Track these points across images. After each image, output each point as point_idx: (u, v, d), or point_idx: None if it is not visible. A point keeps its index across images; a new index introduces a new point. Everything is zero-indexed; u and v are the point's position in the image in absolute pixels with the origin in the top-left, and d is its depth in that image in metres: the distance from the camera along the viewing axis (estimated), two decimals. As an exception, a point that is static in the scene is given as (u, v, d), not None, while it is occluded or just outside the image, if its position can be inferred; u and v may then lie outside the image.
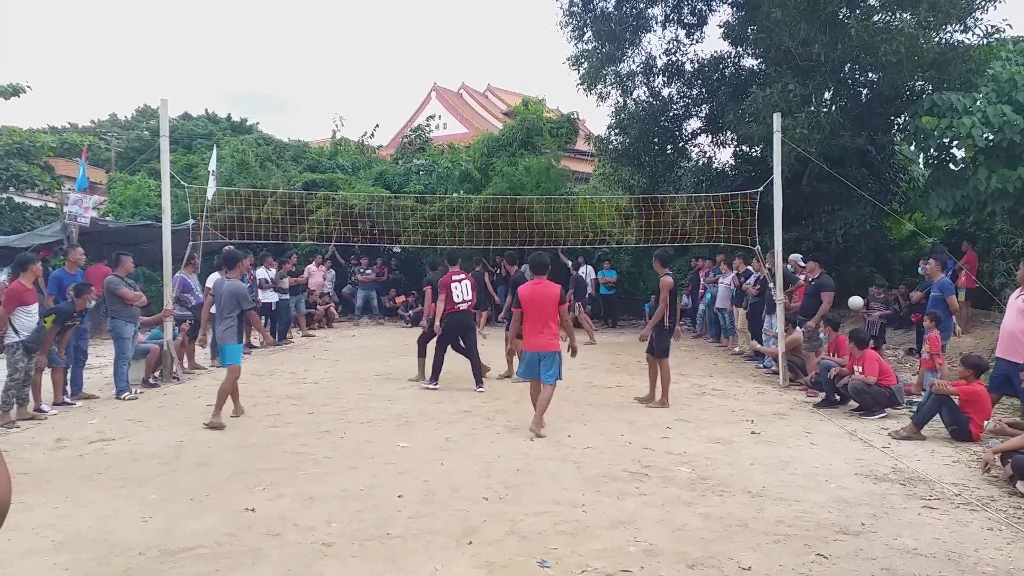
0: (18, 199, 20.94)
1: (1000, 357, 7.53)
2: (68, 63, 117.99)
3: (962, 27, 13.86)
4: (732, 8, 17.36)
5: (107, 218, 18.38)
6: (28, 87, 19.33)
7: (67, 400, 8.69)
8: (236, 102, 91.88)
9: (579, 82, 18.14)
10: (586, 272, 17.07)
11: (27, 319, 7.77)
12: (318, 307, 17.63)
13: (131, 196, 21.34)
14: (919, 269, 13.25)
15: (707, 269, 15.79)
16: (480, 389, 9.73)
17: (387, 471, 5.96)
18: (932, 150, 13.55)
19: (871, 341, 9.02)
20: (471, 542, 4.49)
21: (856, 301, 11.29)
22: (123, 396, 9.05)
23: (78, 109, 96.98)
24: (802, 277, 11.89)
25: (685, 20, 17.99)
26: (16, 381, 7.74)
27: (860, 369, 8.40)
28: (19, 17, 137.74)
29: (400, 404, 8.76)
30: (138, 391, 9.52)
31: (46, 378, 8.53)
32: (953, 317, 10.11)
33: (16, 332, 7.68)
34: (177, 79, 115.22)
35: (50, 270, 11.62)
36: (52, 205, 21.86)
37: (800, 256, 12.75)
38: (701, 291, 15.96)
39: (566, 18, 17.41)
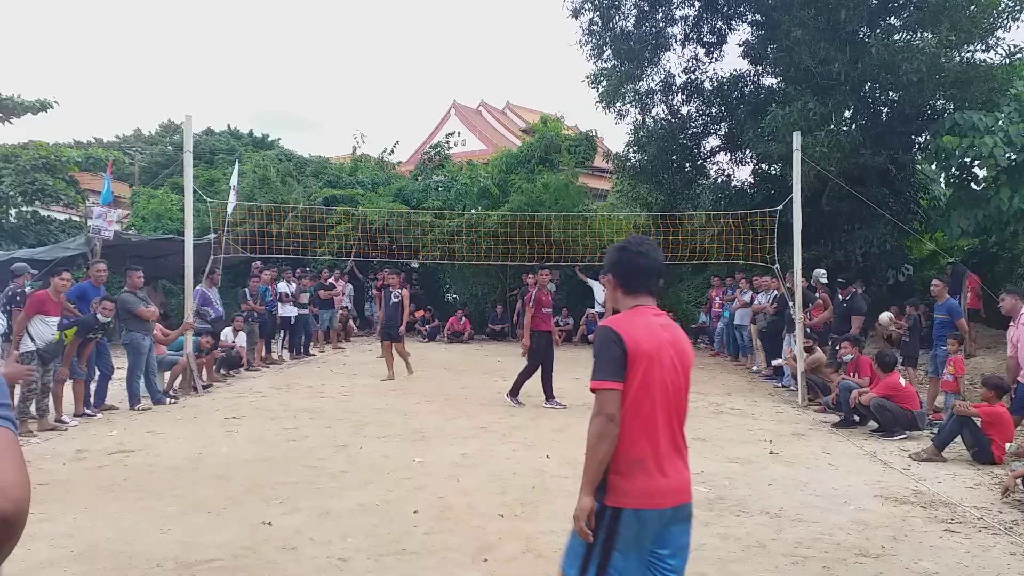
0: (43, 212, 21.28)
1: (1022, 382, 7.44)
2: (94, 79, 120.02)
3: (984, 46, 13.83)
4: (751, 27, 17.39)
5: (130, 232, 18.62)
6: (55, 103, 19.72)
7: (88, 412, 8.77)
8: (258, 120, 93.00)
9: (598, 100, 18.22)
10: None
11: (45, 329, 7.87)
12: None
13: (154, 210, 21.65)
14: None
15: (722, 288, 15.75)
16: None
17: (403, 486, 5.97)
18: (953, 169, 13.48)
19: (897, 363, 8.90)
20: (487, 559, 4.47)
21: (885, 316, 11.21)
22: (136, 407, 9.16)
23: (103, 124, 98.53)
24: (819, 296, 11.81)
25: (704, 39, 18.04)
26: (33, 392, 7.82)
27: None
28: (48, 33, 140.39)
29: (416, 419, 8.77)
30: (170, 401, 9.68)
31: (67, 389, 8.63)
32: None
33: (32, 340, 7.78)
34: (201, 96, 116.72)
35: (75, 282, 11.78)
36: (76, 219, 22.19)
37: (824, 272, 12.64)
38: (717, 310, 15.88)
39: (585, 37, 17.51)
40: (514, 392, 9.81)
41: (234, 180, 14.28)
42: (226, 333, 11.95)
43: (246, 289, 13.01)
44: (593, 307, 17.35)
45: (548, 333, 9.83)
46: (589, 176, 26.10)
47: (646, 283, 2.88)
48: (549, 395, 9.81)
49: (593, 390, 2.65)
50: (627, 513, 2.57)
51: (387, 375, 11.76)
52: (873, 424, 8.46)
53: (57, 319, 8.04)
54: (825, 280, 12.64)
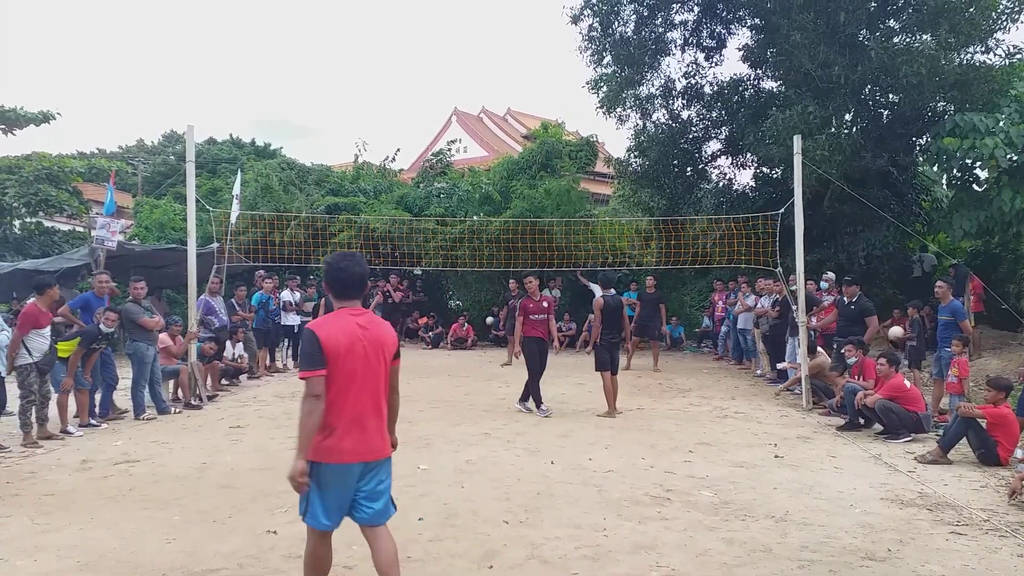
0: (47, 223, 21.35)
1: None
2: (97, 90, 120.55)
3: (983, 48, 13.84)
4: (751, 31, 17.41)
5: (133, 242, 18.64)
6: (58, 114, 19.81)
7: (93, 422, 8.78)
8: (260, 129, 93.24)
9: (598, 105, 18.23)
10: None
11: (40, 341, 7.90)
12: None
13: (157, 220, 21.66)
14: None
15: (725, 292, 15.73)
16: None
17: (407, 493, 5.95)
18: (955, 171, 13.46)
19: (898, 363, 8.87)
20: (492, 566, 4.47)
21: (896, 331, 11.16)
22: (141, 417, 9.17)
23: (106, 134, 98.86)
24: (826, 300, 11.78)
25: (704, 43, 18.06)
26: (31, 403, 7.83)
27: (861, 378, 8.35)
28: (50, 45, 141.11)
29: (420, 426, 8.75)
30: (175, 410, 9.72)
31: (72, 400, 8.64)
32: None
33: (29, 353, 7.80)
34: (203, 106, 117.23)
35: (76, 292, 11.81)
36: (80, 229, 22.26)
37: (834, 276, 12.60)
38: (721, 314, 15.86)
39: (585, 43, 17.53)
40: (537, 403, 9.72)
41: (237, 189, 14.31)
42: (227, 346, 12.01)
43: (232, 300, 12.91)
44: None
45: (536, 339, 9.77)
46: (590, 181, 26.11)
47: (348, 291, 3.59)
48: (533, 398, 9.79)
49: (301, 378, 3.42)
50: (322, 466, 3.44)
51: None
52: (878, 427, 8.44)
53: (48, 328, 8.08)
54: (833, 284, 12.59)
